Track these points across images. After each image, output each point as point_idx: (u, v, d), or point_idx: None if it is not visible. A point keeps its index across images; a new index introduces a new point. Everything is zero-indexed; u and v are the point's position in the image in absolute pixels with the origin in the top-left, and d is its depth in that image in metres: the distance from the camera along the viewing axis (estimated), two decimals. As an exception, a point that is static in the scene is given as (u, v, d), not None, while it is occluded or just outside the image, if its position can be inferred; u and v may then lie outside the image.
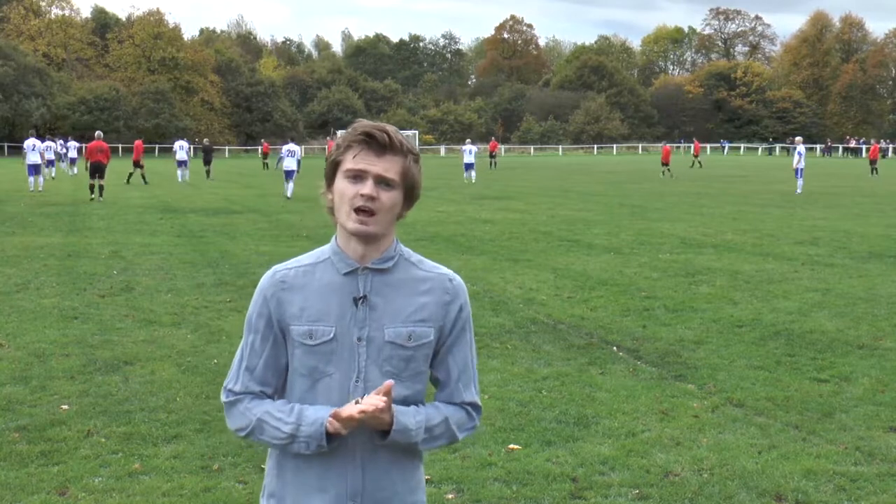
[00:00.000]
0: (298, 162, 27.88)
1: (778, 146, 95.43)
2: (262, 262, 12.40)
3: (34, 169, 29.15)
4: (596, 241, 15.85)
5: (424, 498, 2.23)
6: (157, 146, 74.25)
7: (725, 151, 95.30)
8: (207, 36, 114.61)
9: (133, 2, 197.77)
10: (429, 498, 4.55)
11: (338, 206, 2.05)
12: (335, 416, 1.98)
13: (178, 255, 13.68)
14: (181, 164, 36.85)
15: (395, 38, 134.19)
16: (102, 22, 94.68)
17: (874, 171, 44.46)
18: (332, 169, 2.06)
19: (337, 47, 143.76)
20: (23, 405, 6.07)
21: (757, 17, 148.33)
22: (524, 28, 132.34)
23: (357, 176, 2.01)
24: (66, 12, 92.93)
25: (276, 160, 41.72)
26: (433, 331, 2.11)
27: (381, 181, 2.01)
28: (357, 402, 1.97)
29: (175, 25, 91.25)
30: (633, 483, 4.83)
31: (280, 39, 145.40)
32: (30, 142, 30.01)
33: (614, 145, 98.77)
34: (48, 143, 39.26)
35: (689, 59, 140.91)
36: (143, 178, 34.30)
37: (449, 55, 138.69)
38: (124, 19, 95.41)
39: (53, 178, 36.97)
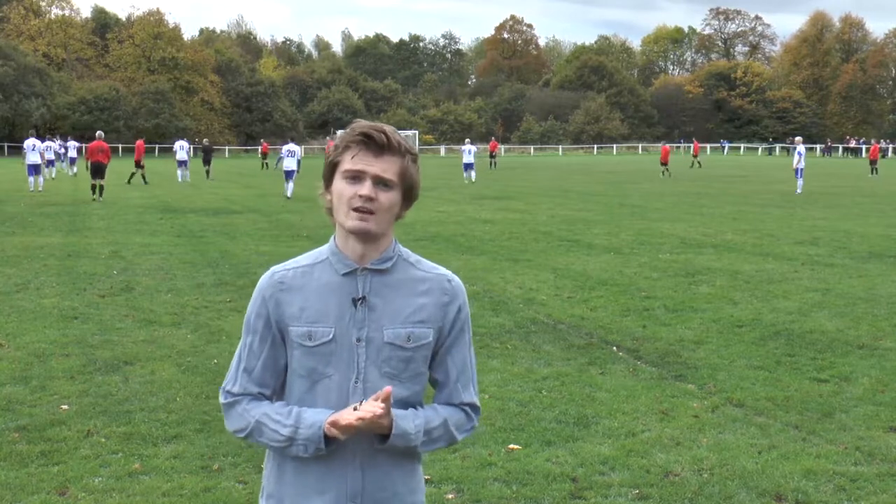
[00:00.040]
0: (298, 162, 27.91)
1: (778, 146, 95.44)
2: (262, 262, 12.40)
3: (34, 169, 29.16)
4: (596, 241, 15.85)
5: (424, 498, 2.23)
6: (157, 146, 74.24)
7: (725, 151, 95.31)
8: (207, 36, 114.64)
9: (133, 2, 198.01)
10: (429, 498, 4.56)
11: (336, 207, 2.04)
12: (333, 424, 1.97)
13: (178, 255, 13.68)
14: (181, 164, 36.91)
15: (395, 38, 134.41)
16: (102, 22, 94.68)
17: (874, 171, 44.48)
18: (331, 170, 2.06)
19: (337, 47, 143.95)
20: (23, 405, 6.07)
21: (757, 17, 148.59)
22: (524, 28, 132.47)
23: (355, 177, 2.01)
24: (66, 12, 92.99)
25: (276, 160, 41.74)
26: (432, 332, 2.11)
27: (380, 182, 2.01)
28: (355, 409, 1.97)
29: (175, 25, 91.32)
30: (633, 483, 4.83)
31: (280, 39, 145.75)
32: (30, 142, 30.02)
33: (614, 145, 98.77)
34: (48, 142, 39.27)
35: (689, 59, 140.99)
36: (144, 178, 34.32)
37: (449, 55, 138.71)
38: (124, 19, 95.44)
39: (53, 179, 36.99)
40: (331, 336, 2.05)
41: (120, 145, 70.70)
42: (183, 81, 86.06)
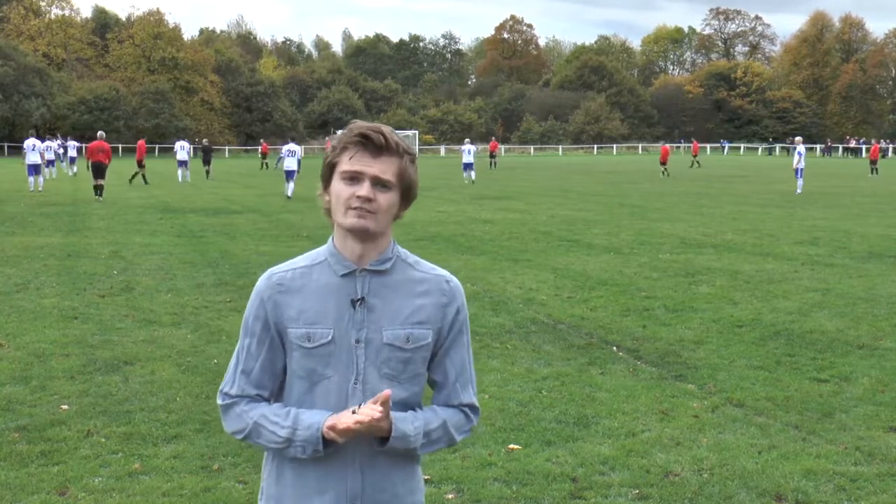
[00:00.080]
0: (299, 161, 27.91)
1: (778, 146, 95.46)
2: (262, 262, 12.40)
3: (34, 169, 29.17)
4: (596, 241, 15.85)
5: (423, 499, 2.23)
6: (157, 146, 74.25)
7: (725, 151, 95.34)
8: (207, 36, 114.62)
9: (133, 2, 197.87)
10: (429, 498, 4.56)
11: (334, 208, 2.04)
12: (332, 427, 1.97)
13: (178, 255, 13.68)
14: (182, 164, 36.99)
15: (395, 38, 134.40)
16: (102, 22, 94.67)
17: (874, 171, 44.50)
18: (329, 170, 2.05)
19: (337, 47, 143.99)
20: (23, 405, 6.07)
21: (757, 17, 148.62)
22: (524, 28, 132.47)
23: (353, 177, 2.00)
24: (66, 12, 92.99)
25: (277, 160, 41.74)
26: (431, 333, 2.10)
27: (378, 182, 2.00)
28: (354, 412, 1.96)
29: (175, 25, 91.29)
30: (633, 483, 4.83)
31: (280, 39, 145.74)
32: (30, 142, 30.04)
33: (614, 145, 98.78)
34: (48, 142, 39.28)
35: (689, 59, 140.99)
36: (144, 178, 34.34)
37: (449, 55, 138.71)
38: (124, 19, 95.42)
39: (54, 178, 36.99)
40: (330, 337, 2.05)
41: (120, 145, 70.70)
42: (183, 81, 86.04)
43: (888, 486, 4.80)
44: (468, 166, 36.93)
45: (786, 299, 10.25)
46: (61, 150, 46.20)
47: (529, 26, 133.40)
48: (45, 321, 8.74)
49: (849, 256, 13.96)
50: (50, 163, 37.67)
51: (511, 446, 5.38)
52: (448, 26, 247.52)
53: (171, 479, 4.83)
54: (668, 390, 6.60)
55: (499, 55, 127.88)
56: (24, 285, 10.85)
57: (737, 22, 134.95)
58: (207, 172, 39.63)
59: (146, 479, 4.85)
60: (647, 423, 5.83)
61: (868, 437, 5.58)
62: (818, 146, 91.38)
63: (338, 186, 2.02)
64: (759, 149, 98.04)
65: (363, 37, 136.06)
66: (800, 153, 30.14)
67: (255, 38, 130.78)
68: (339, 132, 2.08)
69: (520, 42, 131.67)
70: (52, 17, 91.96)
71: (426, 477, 4.78)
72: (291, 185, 26.82)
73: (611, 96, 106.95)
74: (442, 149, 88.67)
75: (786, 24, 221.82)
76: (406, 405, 2.10)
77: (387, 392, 1.95)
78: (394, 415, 2.01)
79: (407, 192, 2.07)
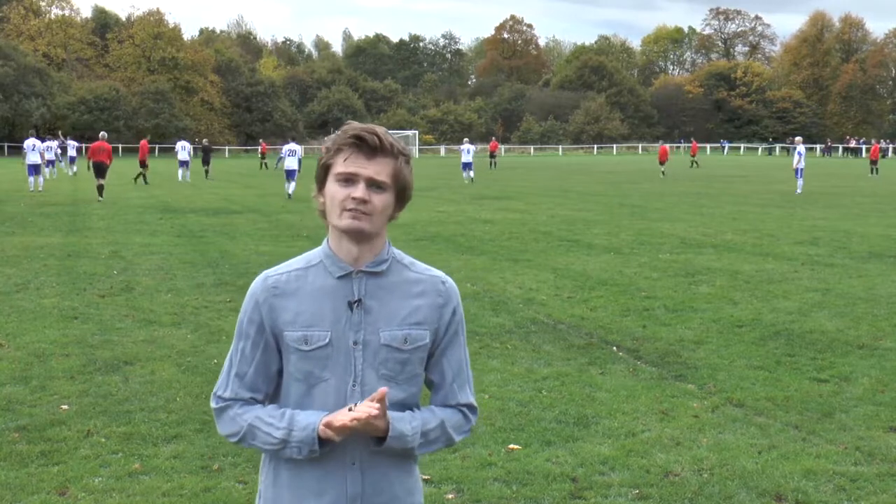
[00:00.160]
0: (299, 161, 27.95)
1: (778, 146, 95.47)
2: (262, 262, 12.40)
3: (34, 169, 29.17)
4: (596, 241, 15.85)
5: (422, 499, 2.22)
6: (157, 146, 74.24)
7: (725, 151, 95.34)
8: (207, 36, 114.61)
9: (133, 2, 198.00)
10: (429, 498, 4.56)
11: (329, 209, 2.03)
12: (328, 425, 1.96)
13: (178, 255, 13.68)
14: (183, 164, 37.11)
15: (395, 38, 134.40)
16: (102, 22, 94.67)
17: (874, 171, 44.52)
18: (323, 172, 2.05)
19: (337, 47, 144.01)
20: (23, 405, 6.07)
21: (757, 17, 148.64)
22: (524, 28, 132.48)
23: (348, 179, 2.00)
24: (66, 12, 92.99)
25: (277, 160, 41.75)
26: (428, 333, 2.10)
27: (373, 184, 2.00)
28: (350, 409, 1.96)
29: (175, 25, 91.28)
30: (633, 483, 4.83)
31: (280, 39, 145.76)
32: (30, 142, 30.04)
33: (614, 145, 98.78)
34: (48, 142, 39.29)
35: (689, 59, 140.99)
36: (145, 178, 34.36)
37: (449, 55, 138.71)
38: (124, 19, 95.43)
39: (54, 178, 36.99)
40: (327, 340, 2.04)
41: (120, 145, 70.68)
42: (183, 81, 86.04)
43: (888, 486, 4.80)
44: (467, 166, 37.03)
45: (786, 299, 10.25)
46: (59, 150, 46.15)
47: (529, 26, 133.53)
48: (45, 321, 8.74)
49: (849, 256, 13.96)
50: (50, 163, 37.66)
51: (511, 446, 5.38)
52: (448, 26, 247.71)
53: (171, 479, 4.83)
54: (668, 390, 6.60)
55: (499, 55, 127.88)
56: (24, 285, 10.85)
57: (737, 22, 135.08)
58: (207, 172, 39.67)
59: (146, 479, 4.85)
60: (647, 423, 5.83)
61: (868, 437, 5.58)
62: (818, 146, 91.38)
63: (333, 188, 2.02)
64: (759, 149, 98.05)
65: (363, 37, 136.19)
66: (800, 153, 30.15)
67: (255, 38, 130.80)
68: (334, 134, 2.07)
69: (520, 42, 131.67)
70: (52, 17, 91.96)
71: (426, 477, 4.78)
72: (293, 184, 26.88)
73: (611, 96, 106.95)
74: (442, 149, 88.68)
75: (786, 24, 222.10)
76: (404, 406, 2.09)
77: (383, 390, 1.94)
78: (391, 414, 2.00)
79: (402, 193, 2.07)
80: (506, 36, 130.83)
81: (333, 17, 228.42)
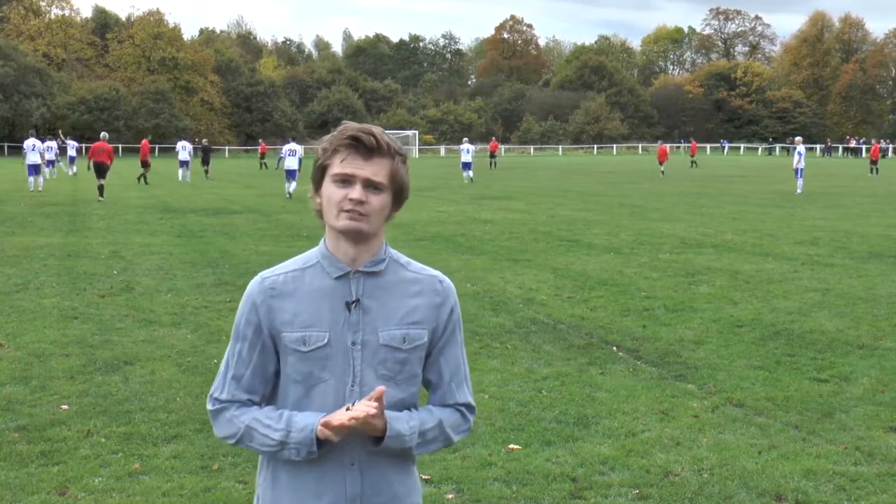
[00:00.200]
0: (300, 161, 27.97)
1: (778, 146, 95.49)
2: (262, 262, 12.39)
3: (34, 169, 29.17)
4: (596, 241, 15.85)
5: (420, 500, 2.22)
6: (157, 146, 74.24)
7: (725, 151, 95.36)
8: (207, 36, 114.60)
9: (133, 2, 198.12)
10: (429, 498, 4.56)
11: (326, 210, 2.03)
12: (326, 425, 1.95)
13: (178, 255, 13.68)
14: (183, 164, 37.19)
15: (395, 38, 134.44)
16: (102, 22, 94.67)
17: (875, 171, 44.54)
18: (320, 173, 2.04)
19: (337, 47, 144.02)
20: (23, 405, 6.07)
21: (757, 17, 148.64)
22: (524, 28, 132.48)
23: (345, 180, 1.99)
24: (66, 12, 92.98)
25: (278, 160, 41.76)
26: (426, 332, 2.10)
27: (370, 185, 1.99)
28: (348, 409, 1.96)
29: (175, 25, 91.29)
30: (633, 483, 4.83)
31: (280, 39, 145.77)
32: (30, 142, 30.04)
33: (614, 145, 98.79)
34: (48, 142, 39.30)
35: (688, 59, 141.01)
36: (145, 178, 34.39)
37: (449, 55, 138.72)
38: (124, 19, 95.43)
39: (54, 178, 36.99)
40: (326, 340, 2.03)
41: (120, 145, 70.67)
42: (183, 81, 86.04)
43: (888, 486, 4.81)
44: (467, 165, 37.09)
45: (786, 299, 10.25)
46: (58, 151, 46.08)
47: (529, 26, 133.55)
48: (45, 321, 8.74)
49: (849, 256, 13.96)
50: (50, 163, 37.67)
51: (511, 446, 5.38)
52: (448, 26, 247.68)
53: (171, 479, 4.83)
54: (668, 390, 6.60)
55: (499, 55, 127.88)
56: (24, 285, 10.85)
57: (737, 22, 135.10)
58: (206, 172, 39.71)
59: (146, 479, 4.85)
60: (647, 423, 5.83)
61: (868, 437, 5.58)
62: (818, 146, 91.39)
63: (330, 189, 2.01)
64: (759, 149, 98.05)
65: (363, 37, 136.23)
66: (800, 153, 30.15)
67: (255, 38, 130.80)
68: (330, 134, 2.06)
69: (520, 42, 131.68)
70: (52, 17, 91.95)
71: (426, 477, 4.78)
72: (294, 184, 26.92)
73: (611, 96, 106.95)
74: (442, 149, 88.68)
75: (786, 24, 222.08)
76: (403, 406, 2.09)
77: (381, 389, 1.94)
78: (389, 414, 2.00)
79: (399, 194, 2.06)
80: (506, 36, 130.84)
81: (333, 17, 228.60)
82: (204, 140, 49.88)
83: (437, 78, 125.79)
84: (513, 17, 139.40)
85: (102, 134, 28.74)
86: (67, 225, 18.30)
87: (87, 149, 31.48)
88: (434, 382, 2.16)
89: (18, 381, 6.65)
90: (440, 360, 2.15)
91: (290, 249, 13.76)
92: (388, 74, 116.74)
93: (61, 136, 47.87)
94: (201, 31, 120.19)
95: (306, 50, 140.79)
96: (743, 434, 5.63)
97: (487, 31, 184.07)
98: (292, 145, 28.70)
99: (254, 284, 2.10)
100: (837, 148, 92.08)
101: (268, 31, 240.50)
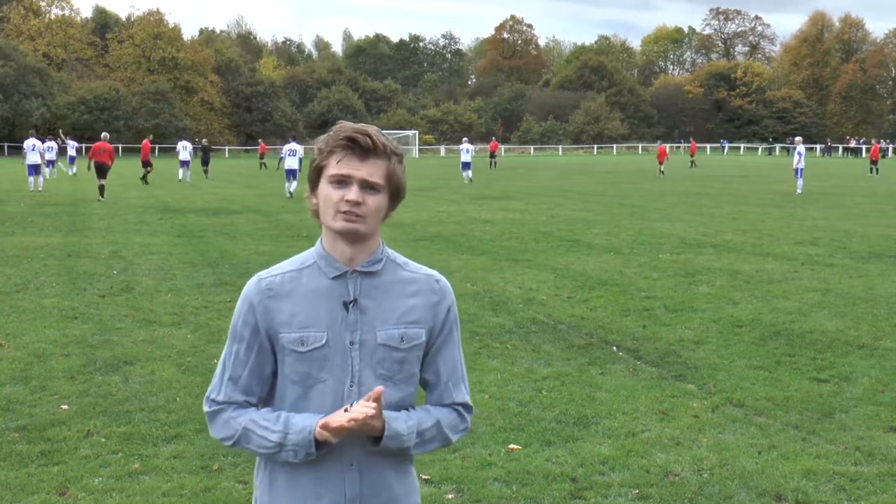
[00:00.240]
0: (300, 160, 27.99)
1: (778, 146, 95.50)
2: (262, 262, 12.39)
3: (34, 169, 29.18)
4: (596, 241, 15.85)
5: (419, 499, 2.22)
6: (157, 146, 74.18)
7: (725, 151, 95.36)
8: (207, 36, 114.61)
9: (133, 2, 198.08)
10: (429, 498, 4.56)
11: (323, 210, 2.03)
12: (325, 427, 1.95)
13: (178, 255, 13.68)
14: (184, 163, 37.22)
15: (395, 38, 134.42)
16: (102, 22, 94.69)
17: (875, 171, 44.55)
18: (316, 174, 2.04)
19: (337, 47, 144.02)
20: (23, 405, 6.07)
21: (757, 17, 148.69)
22: (524, 28, 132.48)
23: (342, 181, 1.99)
24: (66, 12, 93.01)
25: (279, 160, 41.77)
26: (424, 332, 2.10)
27: (366, 186, 1.99)
28: (346, 410, 1.95)
29: (175, 25, 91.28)
30: (633, 483, 4.83)
31: (280, 39, 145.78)
32: (30, 142, 30.04)
33: (614, 145, 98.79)
34: (49, 142, 39.30)
35: (688, 59, 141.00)
36: (145, 178, 34.38)
37: (449, 55, 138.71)
38: (124, 19, 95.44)
39: (54, 178, 36.99)
40: (324, 341, 2.03)
41: (120, 145, 70.65)
42: (183, 81, 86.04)
43: (888, 486, 4.81)
44: (466, 165, 37.14)
45: (786, 299, 10.25)
46: (58, 150, 46.05)
47: (529, 26, 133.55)
48: (45, 321, 8.74)
49: (849, 256, 13.96)
50: (50, 163, 37.67)
51: (511, 446, 5.38)
52: (448, 26, 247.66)
53: (171, 479, 4.83)
54: (668, 390, 6.60)
55: (499, 55, 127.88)
56: (24, 285, 10.85)
57: (737, 22, 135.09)
58: (206, 172, 39.73)
59: (146, 479, 4.85)
60: (647, 423, 5.83)
61: (868, 437, 5.58)
62: (818, 146, 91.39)
63: (326, 190, 2.01)
64: (759, 149, 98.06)
65: (363, 37, 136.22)
66: (800, 153, 30.16)
67: (255, 38, 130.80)
68: (325, 134, 2.05)
69: (520, 42, 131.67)
70: (52, 17, 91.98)
71: (426, 477, 4.78)
72: (294, 183, 26.95)
73: (611, 96, 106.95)
74: (442, 149, 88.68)
75: (786, 24, 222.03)
76: (401, 406, 2.09)
77: (379, 389, 1.94)
78: (387, 414, 2.00)
79: (395, 193, 2.06)
80: (506, 36, 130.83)
81: (333, 17, 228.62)
82: (204, 140, 49.90)
83: (437, 78, 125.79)
84: (513, 17, 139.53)
85: (103, 134, 28.76)
86: (67, 225, 18.30)
87: (87, 149, 31.47)
88: (431, 382, 2.16)
89: (18, 381, 6.65)
90: (437, 359, 2.14)
91: (290, 249, 13.76)
92: (388, 74, 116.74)
93: (61, 135, 47.80)
94: (201, 31, 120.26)
95: (306, 50, 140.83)
96: (743, 434, 5.63)
97: (487, 31, 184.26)
98: (293, 145, 28.70)
99: (251, 285, 2.09)
100: (837, 148, 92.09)
101: (268, 31, 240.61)
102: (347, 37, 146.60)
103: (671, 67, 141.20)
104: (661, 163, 44.71)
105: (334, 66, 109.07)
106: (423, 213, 21.23)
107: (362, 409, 1.92)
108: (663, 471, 5.00)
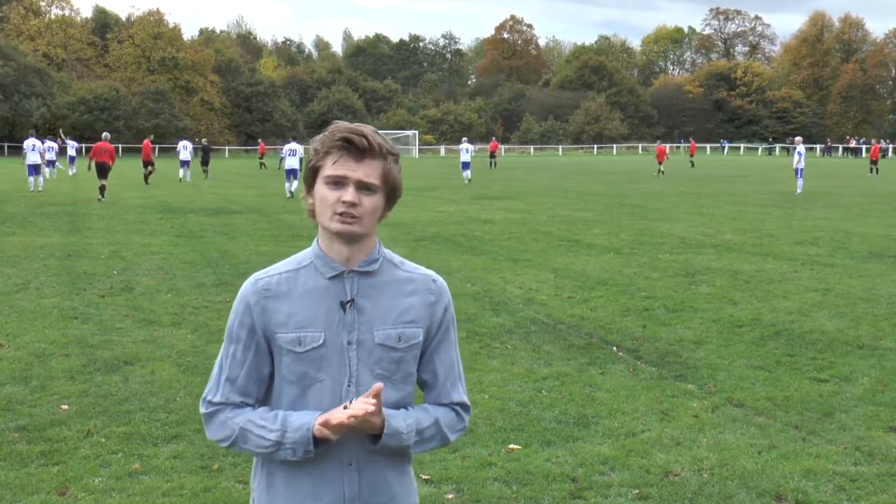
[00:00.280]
0: (300, 160, 28.01)
1: (778, 146, 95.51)
2: (262, 262, 12.37)
3: (34, 169, 29.17)
4: (596, 241, 15.85)
5: (417, 500, 2.22)
6: (157, 146, 74.16)
7: (725, 151, 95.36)
8: (207, 36, 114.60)
9: (133, 2, 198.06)
10: (429, 498, 4.56)
11: (320, 211, 2.03)
12: (324, 424, 1.94)
13: (178, 255, 13.68)
14: (184, 163, 37.23)
15: (395, 38, 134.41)
16: (102, 22, 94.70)
17: (875, 171, 44.55)
18: (312, 174, 2.04)
19: (337, 47, 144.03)
20: (23, 405, 6.07)
21: (757, 17, 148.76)
22: (524, 28, 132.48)
23: (338, 182, 1.99)
24: (66, 12, 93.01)
25: (279, 160, 41.80)
26: (421, 331, 2.10)
27: (363, 186, 1.99)
28: (346, 407, 1.95)
29: (175, 25, 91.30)
30: (633, 483, 4.83)
31: (280, 39, 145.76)
32: (30, 142, 30.03)
33: (614, 145, 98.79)
34: (48, 143, 39.30)
35: (688, 59, 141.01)
36: (146, 178, 34.39)
37: (449, 55, 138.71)
38: (124, 19, 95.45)
39: (54, 178, 36.98)
40: (321, 341, 2.03)
41: (120, 145, 70.65)
42: (183, 81, 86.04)
43: (888, 486, 4.81)
44: (466, 165, 37.18)
45: (786, 299, 10.25)
46: (58, 150, 46.04)
47: (529, 26, 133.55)
48: (45, 321, 8.74)
49: (849, 256, 13.96)
50: (50, 163, 37.67)
51: (511, 446, 5.38)
52: (448, 26, 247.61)
53: (171, 479, 4.83)
54: (668, 390, 6.60)
55: (499, 55, 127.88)
56: (24, 285, 10.85)
57: (737, 22, 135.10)
58: (206, 172, 39.74)
59: (146, 479, 4.85)
60: (647, 423, 5.83)
61: (868, 437, 5.58)
62: (818, 146, 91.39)
63: (322, 191, 2.01)
64: (759, 149, 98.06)
65: (363, 37, 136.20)
66: (800, 153, 30.16)
67: (255, 38, 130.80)
68: (321, 134, 2.05)
69: (520, 42, 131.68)
70: (52, 17, 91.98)
71: (426, 477, 4.79)
72: (295, 183, 26.98)
73: (611, 96, 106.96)
74: (442, 149, 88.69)
75: (786, 24, 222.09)
76: (399, 407, 2.09)
77: (378, 385, 1.94)
78: (386, 411, 2.00)
79: (391, 193, 2.06)
80: (506, 36, 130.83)
81: (333, 17, 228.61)
82: (203, 140, 49.89)
83: (437, 78, 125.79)
84: (513, 17, 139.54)
85: (104, 134, 28.77)
86: (67, 225, 18.30)
87: (87, 149, 31.46)
88: (429, 382, 2.16)
89: (18, 381, 6.65)
90: (435, 359, 2.14)
91: (290, 249, 13.74)
92: (388, 74, 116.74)
93: (61, 135, 47.79)
94: (201, 31, 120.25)
95: (306, 50, 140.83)
96: (743, 434, 5.63)
97: (487, 31, 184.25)
98: (293, 145, 28.72)
99: (247, 286, 2.09)
100: (837, 148, 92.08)
101: (268, 31, 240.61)
102: (347, 37, 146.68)
103: (671, 67, 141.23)
104: (660, 163, 44.86)
105: (334, 66, 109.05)
106: (423, 213, 21.23)
107: (362, 405, 1.92)
108: (663, 471, 5.00)
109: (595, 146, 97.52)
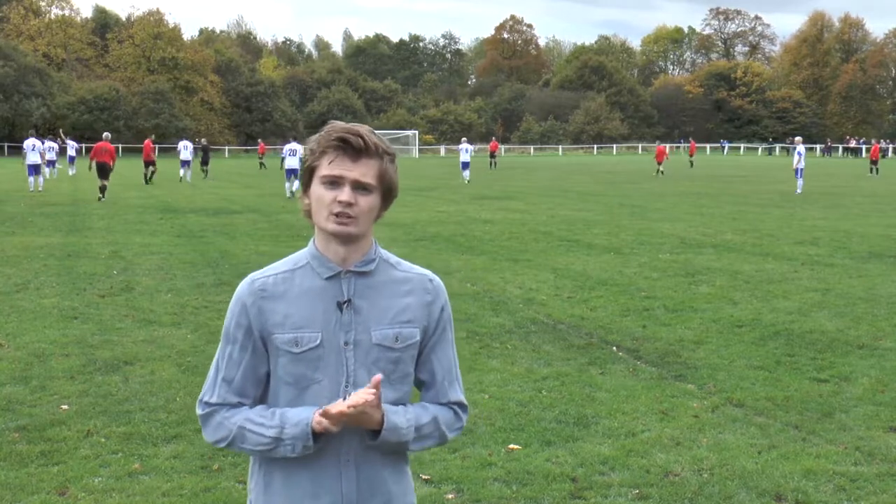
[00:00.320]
0: (301, 160, 28.03)
1: (778, 146, 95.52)
2: (262, 262, 12.32)
3: (34, 169, 29.18)
4: (596, 241, 15.85)
5: (415, 500, 2.22)
6: (157, 146, 74.14)
7: (725, 151, 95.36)
8: (207, 36, 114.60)
9: (133, 2, 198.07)
10: (429, 498, 4.56)
11: (316, 211, 2.02)
12: (324, 414, 1.94)
13: (178, 255, 13.68)
14: (185, 163, 37.25)
15: (395, 38, 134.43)
16: (102, 22, 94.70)
17: (875, 171, 44.56)
18: (308, 174, 2.04)
19: (337, 47, 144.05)
20: (23, 405, 6.07)
21: (757, 17, 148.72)
22: (524, 28, 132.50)
23: (334, 182, 1.99)
24: (66, 12, 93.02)
25: (281, 160, 41.80)
26: (418, 331, 2.10)
27: (359, 186, 1.99)
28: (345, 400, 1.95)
29: (175, 25, 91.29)
30: (633, 483, 4.83)
31: (280, 39, 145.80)
32: (30, 142, 30.03)
33: (614, 145, 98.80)
34: (48, 143, 39.31)
35: (688, 59, 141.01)
36: (146, 178, 34.39)
37: (449, 55, 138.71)
38: (124, 19, 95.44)
39: (54, 178, 36.98)
40: (318, 341, 2.03)
41: (120, 145, 70.64)
42: (183, 81, 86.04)
43: (888, 486, 4.81)
44: (466, 165, 37.21)
45: (786, 299, 10.25)
46: (58, 150, 46.04)
47: (529, 26, 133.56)
48: (45, 321, 8.74)
49: (849, 256, 13.96)
50: (50, 163, 37.67)
51: (511, 446, 5.38)
52: (448, 26, 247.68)
53: (171, 479, 4.83)
54: (668, 390, 6.60)
55: (499, 55, 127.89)
56: (24, 285, 10.85)
57: (736, 22, 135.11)
58: (205, 172, 39.75)
59: (146, 479, 4.85)
60: (647, 423, 5.83)
61: (868, 437, 5.58)
62: (818, 146, 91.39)
63: (318, 191, 2.01)
64: (759, 149, 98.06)
65: (363, 37, 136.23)
66: (800, 153, 30.15)
67: (255, 38, 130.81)
68: (317, 134, 2.05)
69: (520, 42, 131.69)
70: (52, 17, 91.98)
71: (426, 477, 4.79)
72: (296, 182, 26.98)
73: (611, 96, 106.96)
74: (442, 149, 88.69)
75: (786, 24, 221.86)
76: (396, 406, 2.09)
77: (378, 376, 1.93)
78: (385, 407, 1.99)
79: (388, 193, 2.06)
80: (506, 36, 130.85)
81: (333, 17, 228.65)
82: (203, 140, 49.90)
83: (437, 78, 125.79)
84: (513, 17, 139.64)
85: (105, 134, 28.78)
86: (67, 225, 18.30)
87: (87, 149, 31.46)
88: (426, 382, 2.16)
89: (18, 381, 6.65)
90: (432, 358, 2.14)
91: (290, 249, 13.66)
92: (388, 74, 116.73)
93: (61, 135, 47.78)
94: (201, 31, 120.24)
95: (306, 50, 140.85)
96: (743, 434, 5.63)
97: (487, 31, 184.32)
98: (293, 145, 28.72)
99: (244, 286, 2.09)
100: (837, 148, 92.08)
101: (268, 31, 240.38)
102: (347, 37, 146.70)
103: (671, 67, 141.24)
104: (659, 163, 44.86)
105: (334, 66, 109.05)
106: (423, 213, 21.22)
107: (362, 395, 1.92)
108: (663, 471, 5.00)
109: (595, 146, 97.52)
